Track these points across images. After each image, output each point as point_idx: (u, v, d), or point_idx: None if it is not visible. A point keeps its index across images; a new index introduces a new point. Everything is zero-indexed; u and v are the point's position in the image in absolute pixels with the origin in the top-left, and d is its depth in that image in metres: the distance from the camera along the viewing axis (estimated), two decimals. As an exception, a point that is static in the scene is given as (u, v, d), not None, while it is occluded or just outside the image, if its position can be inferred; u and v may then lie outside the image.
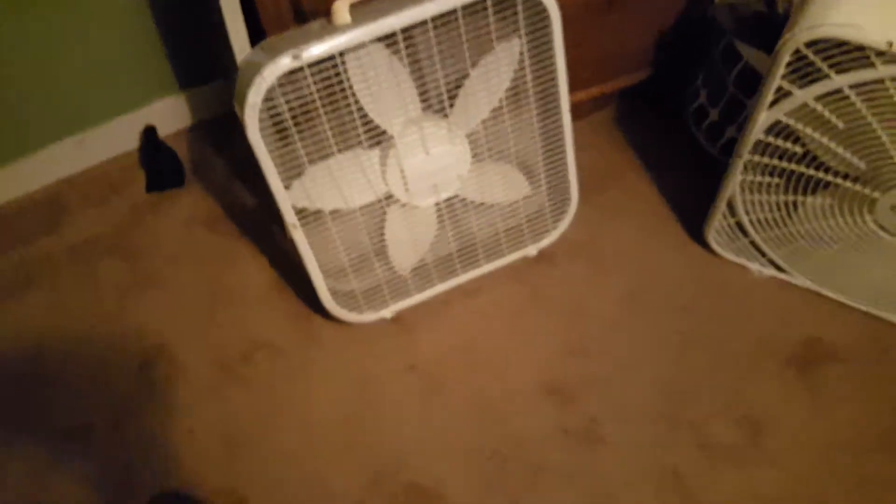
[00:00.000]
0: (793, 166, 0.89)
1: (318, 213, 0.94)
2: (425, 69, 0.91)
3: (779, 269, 1.04)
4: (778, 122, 0.86)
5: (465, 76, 0.91)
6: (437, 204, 1.00)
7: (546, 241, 1.11)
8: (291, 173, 0.91)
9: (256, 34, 0.93)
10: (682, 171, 1.20)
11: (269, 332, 1.07)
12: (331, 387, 1.01)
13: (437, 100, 0.92)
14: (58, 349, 1.08)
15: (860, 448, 0.90)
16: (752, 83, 0.98)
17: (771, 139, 0.88)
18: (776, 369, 0.98)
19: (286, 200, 0.91)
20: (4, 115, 1.17)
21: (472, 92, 0.92)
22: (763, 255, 1.04)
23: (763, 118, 0.87)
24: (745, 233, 1.03)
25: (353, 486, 0.92)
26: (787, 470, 0.90)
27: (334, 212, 0.95)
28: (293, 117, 0.86)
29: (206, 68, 1.29)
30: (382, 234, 1.00)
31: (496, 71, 0.92)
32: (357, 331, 1.06)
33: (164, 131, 1.30)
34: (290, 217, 0.92)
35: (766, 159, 0.91)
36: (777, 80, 0.82)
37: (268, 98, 0.82)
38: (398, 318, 1.07)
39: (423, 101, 0.92)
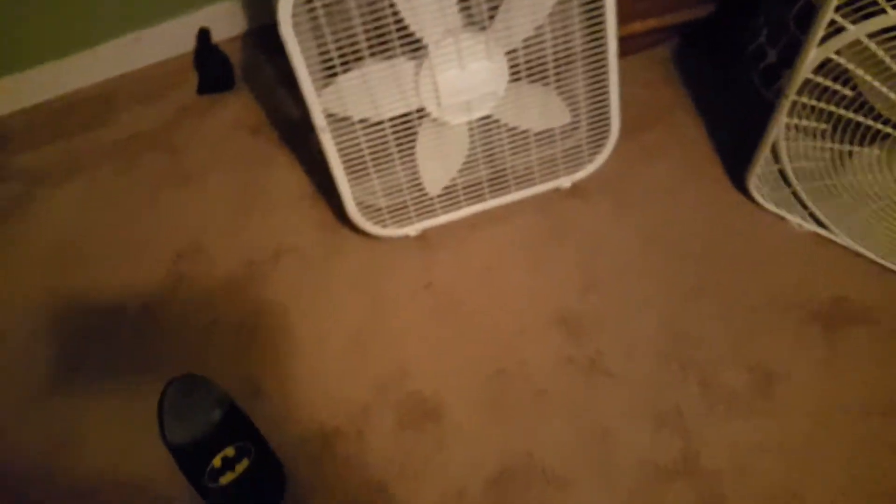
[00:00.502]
0: (841, 111, 0.84)
1: (347, 119, 0.95)
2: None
3: (819, 224, 1.00)
4: (829, 61, 0.80)
5: (509, -11, 0.89)
6: (469, 123, 0.99)
7: (581, 175, 1.08)
8: (325, 77, 0.92)
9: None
10: (734, 114, 1.14)
11: (297, 237, 1.11)
12: (348, 295, 1.04)
13: (478, 11, 0.91)
14: (98, 232, 1.15)
15: (869, 410, 0.87)
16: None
17: (820, 79, 0.83)
18: (798, 323, 0.95)
19: (316, 103, 0.92)
20: (64, 8, 1.22)
21: (515, 6, 0.90)
22: (805, 208, 0.99)
23: (813, 55, 0.81)
24: (787, 182, 0.98)
25: (359, 387, 0.96)
26: (789, 423, 0.87)
27: (363, 120, 0.96)
28: (329, 21, 0.86)
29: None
30: (413, 151, 1.00)
31: (540, -11, 0.89)
32: (380, 245, 1.08)
33: (218, 36, 1.33)
34: (319, 120, 0.93)
35: (813, 101, 0.86)
36: (830, 12, 0.77)
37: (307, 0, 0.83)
38: (422, 237, 1.08)
39: (465, 11, 0.91)
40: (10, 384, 1.01)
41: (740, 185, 1.06)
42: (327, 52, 0.89)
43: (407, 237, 1.08)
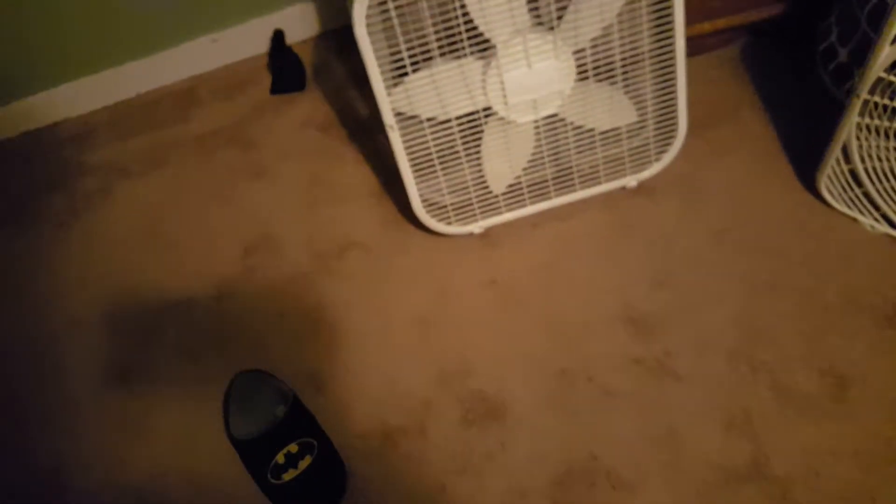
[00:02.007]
0: (921, 109, 0.82)
1: (415, 118, 0.98)
2: (536, -19, 0.91)
3: (893, 226, 0.97)
4: (908, 58, 0.79)
5: (578, -9, 0.90)
6: (535, 121, 1.01)
7: (647, 174, 1.08)
8: (395, 76, 0.94)
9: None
10: (803, 113, 1.12)
11: (363, 232, 1.14)
12: (412, 290, 1.07)
13: (546, 12, 0.92)
14: (175, 221, 1.21)
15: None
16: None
17: (893, 77, 0.81)
18: (870, 326, 0.92)
19: (386, 101, 0.95)
20: (146, 11, 1.29)
21: (583, 7, 0.91)
22: (877, 209, 0.97)
23: (886, 53, 0.80)
24: (859, 182, 0.96)
25: (421, 383, 0.98)
26: (865, 427, 0.85)
27: (431, 119, 0.98)
28: (400, 20, 0.89)
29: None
30: (478, 149, 1.02)
31: (609, -11, 0.90)
32: (445, 242, 1.10)
33: (292, 38, 1.38)
34: (388, 118, 0.96)
35: (886, 100, 0.84)
36: (913, 10, 0.75)
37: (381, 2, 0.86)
38: (485, 235, 1.10)
39: (533, 11, 0.93)
40: (82, 368, 1.07)
41: (810, 185, 1.04)
42: (398, 52, 0.92)
43: (471, 234, 1.10)
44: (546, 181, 1.07)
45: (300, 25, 1.39)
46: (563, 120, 1.02)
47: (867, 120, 0.88)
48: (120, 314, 1.12)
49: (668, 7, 0.93)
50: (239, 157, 1.27)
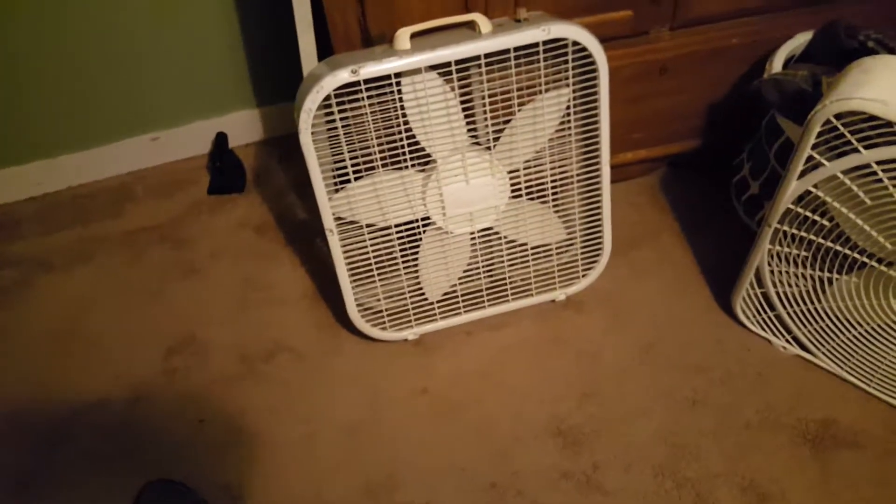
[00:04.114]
0: (820, 240, 0.90)
1: (355, 223, 1.00)
2: (476, 103, 0.98)
3: (803, 348, 1.03)
4: (808, 193, 0.87)
5: (513, 115, 0.97)
6: (471, 233, 1.04)
7: (575, 289, 1.13)
8: (337, 183, 0.97)
9: (326, 53, 1.02)
10: (718, 239, 1.21)
11: (295, 336, 1.12)
12: (343, 397, 1.04)
13: (484, 133, 0.98)
14: (96, 319, 1.16)
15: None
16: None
17: (800, 209, 0.89)
18: (788, 443, 0.96)
19: (327, 206, 0.97)
20: (89, 104, 1.30)
21: (518, 131, 0.98)
22: (789, 332, 1.03)
23: (793, 187, 0.88)
24: (772, 306, 1.03)
25: (347, 496, 0.94)
26: (786, 548, 0.87)
27: (370, 225, 1.00)
28: (345, 131, 0.93)
29: (283, 88, 1.40)
30: (416, 257, 1.05)
31: (542, 116, 0.97)
32: (378, 348, 1.10)
33: (234, 141, 1.41)
34: (328, 222, 0.98)
35: (794, 230, 0.92)
36: (807, 150, 0.84)
37: (324, 106, 0.90)
38: (419, 341, 1.10)
39: (470, 132, 0.98)
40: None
41: (726, 307, 1.11)
42: (342, 160, 0.95)
43: (405, 341, 1.10)
44: (480, 291, 1.09)
45: (244, 130, 1.42)
46: (497, 234, 1.06)
47: (777, 247, 0.95)
48: (26, 416, 1.04)
49: (595, 137, 1.00)
50: (170, 255, 1.25)
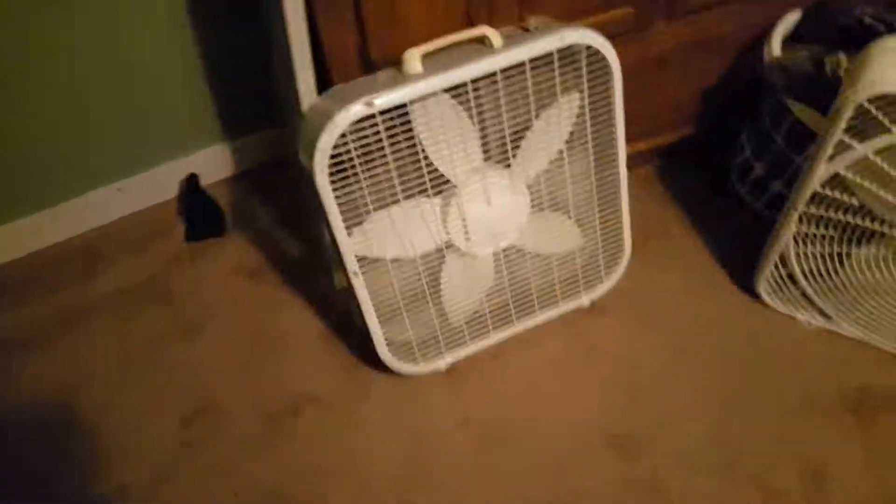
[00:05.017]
0: (849, 218, 0.91)
1: (377, 260, 0.94)
2: (488, 120, 0.93)
3: (827, 318, 1.05)
4: (836, 175, 0.88)
5: (528, 128, 0.93)
6: (495, 253, 1.00)
7: (599, 292, 1.11)
8: (353, 221, 0.91)
9: (322, 82, 0.95)
10: (724, 225, 1.22)
11: (317, 384, 1.05)
12: (384, 443, 0.99)
13: (500, 150, 0.94)
14: (93, 400, 1.05)
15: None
16: (802, 138, 1.02)
17: (828, 192, 0.90)
18: (833, 418, 0.97)
19: (350, 248, 0.90)
20: (44, 160, 1.17)
21: (534, 143, 0.94)
22: (813, 305, 1.05)
23: (822, 170, 0.89)
24: (795, 283, 1.04)
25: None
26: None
27: (396, 260, 0.95)
28: (362, 163, 0.86)
29: (252, 118, 1.31)
30: (439, 283, 1.00)
31: (557, 123, 0.94)
32: (409, 383, 1.04)
33: (206, 180, 1.31)
34: (351, 265, 0.91)
35: (822, 211, 0.93)
36: (839, 134, 0.85)
37: (336, 144, 0.83)
38: (451, 370, 1.05)
39: (485, 151, 0.94)
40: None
41: (745, 288, 1.11)
42: (356, 197, 0.89)
43: (437, 372, 1.05)
44: (507, 307, 1.05)
45: (214, 167, 1.32)
46: (521, 249, 1.02)
47: (805, 228, 0.96)
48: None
49: (612, 139, 0.98)
50: (161, 316, 1.15)
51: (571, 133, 0.97)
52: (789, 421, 0.98)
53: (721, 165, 1.23)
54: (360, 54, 0.93)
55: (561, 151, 0.97)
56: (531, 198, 0.99)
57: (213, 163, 1.32)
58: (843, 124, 0.84)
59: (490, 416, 1.01)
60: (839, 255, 0.96)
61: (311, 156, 0.84)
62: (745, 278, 1.11)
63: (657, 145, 1.23)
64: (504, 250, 1.01)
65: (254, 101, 1.25)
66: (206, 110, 1.26)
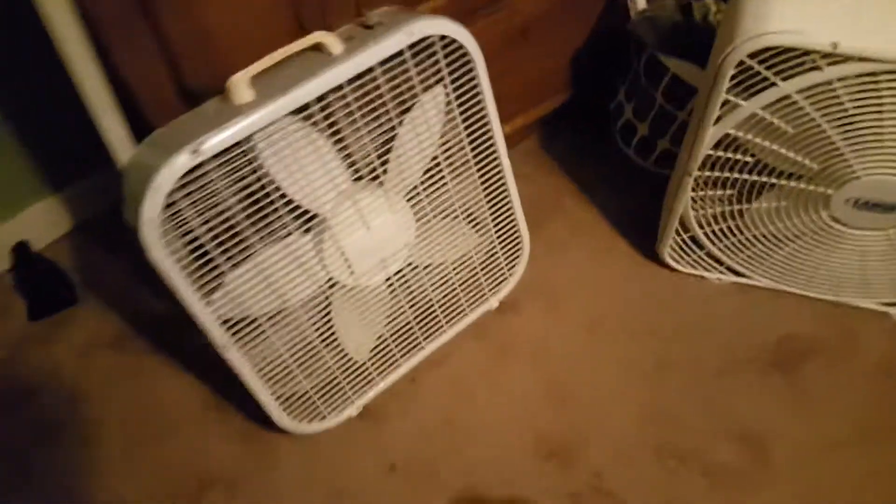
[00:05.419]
0: (745, 176, 0.87)
1: (252, 321, 0.81)
2: (348, 136, 0.81)
3: (738, 274, 1.02)
4: (727, 136, 0.83)
5: (394, 136, 0.82)
6: (387, 279, 0.90)
7: (505, 290, 1.03)
8: (210, 284, 0.77)
9: (138, 125, 0.80)
10: (617, 188, 1.16)
11: (215, 461, 0.92)
12: (303, 509, 0.89)
13: (368, 167, 0.83)
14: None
15: (860, 440, 0.89)
16: (681, 94, 0.96)
17: (720, 153, 0.85)
18: (760, 376, 0.95)
19: (210, 318, 0.77)
20: None
21: (404, 151, 0.83)
22: (720, 263, 1.02)
23: (710, 133, 0.83)
24: (700, 246, 1.00)
25: None
26: (799, 482, 0.86)
27: (271, 316, 0.82)
28: (203, 220, 0.73)
29: (79, 161, 1.12)
30: (330, 325, 0.88)
31: (425, 124, 0.83)
32: (321, 439, 0.93)
33: (39, 244, 1.11)
34: (218, 337, 0.78)
35: (716, 173, 0.88)
36: (722, 94, 0.79)
37: (168, 204, 0.69)
38: (365, 412, 0.95)
39: (352, 171, 0.82)
40: None
41: (649, 254, 1.07)
42: (207, 253, 0.75)
43: (349, 419, 0.94)
44: (411, 330, 0.96)
45: (45, 227, 1.13)
46: (415, 266, 0.92)
47: (701, 192, 0.91)
48: None
49: (487, 129, 0.89)
50: (17, 417, 0.97)
51: (444, 131, 0.87)
52: (716, 386, 0.95)
53: (602, 127, 1.16)
54: (175, 85, 0.78)
55: (435, 157, 0.87)
56: (414, 210, 0.89)
57: (42, 222, 1.12)
58: (725, 83, 0.77)
59: (417, 455, 0.92)
60: (742, 212, 0.92)
61: (136, 227, 0.69)
62: (646, 243, 1.07)
63: (536, 118, 1.15)
64: (397, 273, 0.90)
65: (76, 141, 1.05)
66: (20, 162, 1.06)
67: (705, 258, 1.01)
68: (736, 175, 0.87)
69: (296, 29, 0.83)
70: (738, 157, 0.84)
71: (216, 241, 0.74)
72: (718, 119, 0.81)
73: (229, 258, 0.76)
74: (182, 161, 0.67)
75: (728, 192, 0.90)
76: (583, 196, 1.16)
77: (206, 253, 0.74)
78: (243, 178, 0.73)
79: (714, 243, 0.98)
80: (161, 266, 0.71)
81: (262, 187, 0.75)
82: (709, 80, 0.80)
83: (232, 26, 0.78)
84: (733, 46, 0.74)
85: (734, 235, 0.96)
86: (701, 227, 0.96)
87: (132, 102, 0.77)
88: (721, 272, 1.03)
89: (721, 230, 0.95)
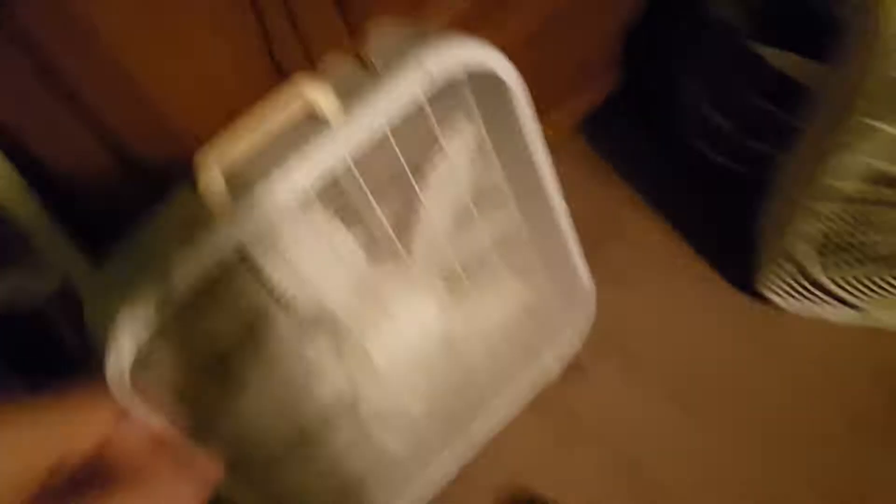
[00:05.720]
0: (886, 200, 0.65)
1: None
2: (363, 211, 0.61)
3: (858, 310, 0.81)
4: (868, 165, 0.61)
5: (417, 200, 0.62)
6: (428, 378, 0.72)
7: (567, 349, 0.84)
8: (206, 423, 0.60)
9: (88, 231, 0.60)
10: (689, 197, 0.94)
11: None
12: None
13: (388, 244, 0.63)
14: None
15: None
16: (789, 93, 0.73)
17: (856, 185, 0.63)
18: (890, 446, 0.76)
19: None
20: None
21: (431, 226, 0.63)
22: (843, 301, 0.80)
23: (838, 162, 0.61)
24: (812, 281, 0.78)
25: None
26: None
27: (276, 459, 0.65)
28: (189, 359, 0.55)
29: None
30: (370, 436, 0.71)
31: (455, 183, 0.63)
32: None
33: None
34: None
35: (851, 206, 0.66)
36: (857, 115, 0.56)
37: (140, 353, 0.51)
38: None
39: (368, 249, 0.63)
40: None
41: (740, 281, 0.86)
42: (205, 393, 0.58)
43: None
44: (454, 416, 0.78)
45: None
46: (458, 351, 0.73)
47: (821, 226, 0.70)
48: None
49: (531, 167, 0.68)
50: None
51: (476, 181, 0.66)
52: (845, 466, 0.76)
53: (664, 118, 0.92)
54: (124, 174, 0.58)
55: (471, 213, 0.67)
56: (449, 284, 0.69)
57: None
58: (867, 100, 0.55)
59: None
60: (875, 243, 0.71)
61: (106, 380, 0.51)
62: (737, 268, 0.86)
63: (582, 113, 0.91)
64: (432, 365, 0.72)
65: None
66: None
67: (820, 293, 0.80)
68: (873, 206, 0.65)
69: (271, 70, 0.62)
70: (882, 190, 0.63)
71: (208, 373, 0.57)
72: (852, 145, 0.59)
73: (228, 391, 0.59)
74: (145, 311, 0.49)
75: (854, 217, 0.69)
76: (646, 208, 0.94)
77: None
78: (235, 289, 0.55)
79: (834, 280, 0.77)
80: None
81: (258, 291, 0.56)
82: (842, 93, 0.58)
83: (187, 83, 0.58)
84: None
85: (860, 266, 0.75)
86: (815, 262, 0.75)
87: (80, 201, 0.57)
88: (834, 307, 0.82)
89: (844, 261, 0.74)
